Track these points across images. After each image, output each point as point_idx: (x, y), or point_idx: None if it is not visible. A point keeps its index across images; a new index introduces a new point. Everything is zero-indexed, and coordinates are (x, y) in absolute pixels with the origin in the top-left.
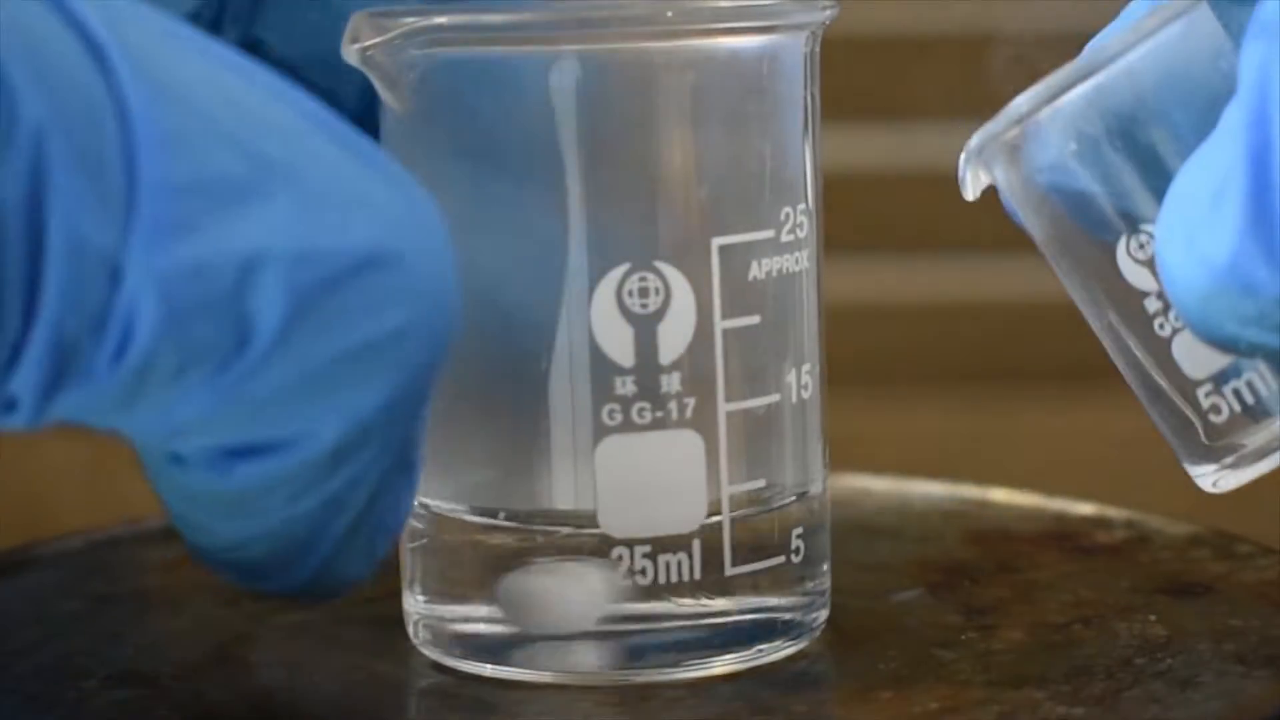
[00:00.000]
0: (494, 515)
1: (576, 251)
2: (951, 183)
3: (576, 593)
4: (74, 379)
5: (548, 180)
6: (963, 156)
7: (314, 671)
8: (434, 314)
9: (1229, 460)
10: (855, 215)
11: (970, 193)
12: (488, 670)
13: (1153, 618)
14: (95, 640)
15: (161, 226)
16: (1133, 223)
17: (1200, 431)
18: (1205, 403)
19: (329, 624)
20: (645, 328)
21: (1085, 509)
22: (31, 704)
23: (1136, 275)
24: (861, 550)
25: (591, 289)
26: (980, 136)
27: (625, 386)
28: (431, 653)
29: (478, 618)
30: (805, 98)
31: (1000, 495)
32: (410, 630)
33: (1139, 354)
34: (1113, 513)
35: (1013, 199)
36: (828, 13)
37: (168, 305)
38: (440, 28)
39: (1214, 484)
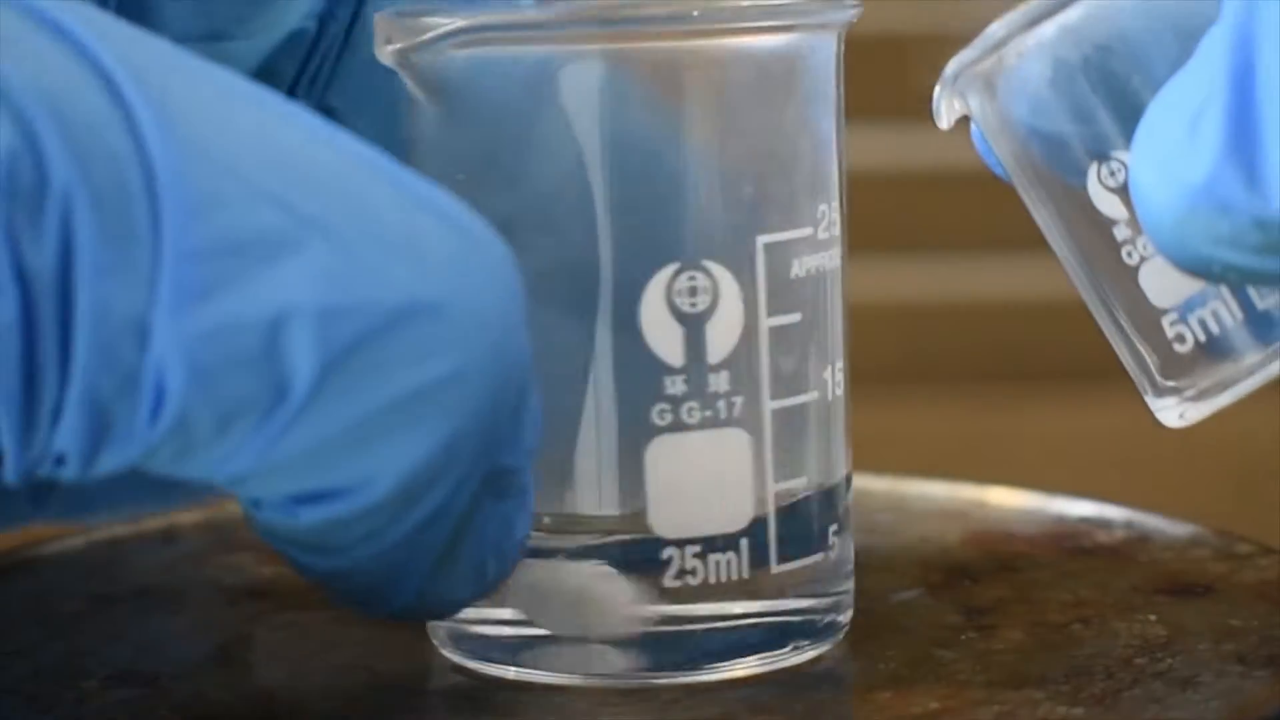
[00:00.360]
0: (539, 519)
1: (624, 251)
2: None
3: (625, 597)
4: (114, 438)
5: (589, 182)
6: (937, 86)
7: (314, 671)
8: (491, 356)
9: (1190, 393)
10: (856, 215)
11: (944, 121)
12: (510, 674)
13: (1153, 618)
14: (95, 640)
15: (188, 290)
16: (1104, 152)
17: (1158, 365)
18: (1170, 332)
19: (330, 624)
20: (694, 327)
21: (1085, 509)
22: (31, 704)
23: (1106, 203)
24: (861, 550)
25: (640, 289)
26: (955, 64)
27: (675, 386)
28: (451, 653)
29: (498, 619)
30: (836, 95)
31: (1000, 495)
32: (429, 630)
33: (1105, 283)
34: (1113, 513)
35: (986, 128)
36: (854, 11)
37: (197, 366)
38: (479, 27)
39: (1180, 416)
